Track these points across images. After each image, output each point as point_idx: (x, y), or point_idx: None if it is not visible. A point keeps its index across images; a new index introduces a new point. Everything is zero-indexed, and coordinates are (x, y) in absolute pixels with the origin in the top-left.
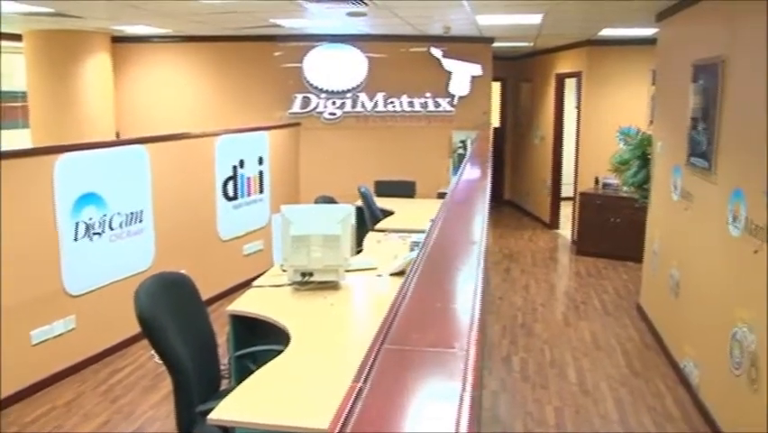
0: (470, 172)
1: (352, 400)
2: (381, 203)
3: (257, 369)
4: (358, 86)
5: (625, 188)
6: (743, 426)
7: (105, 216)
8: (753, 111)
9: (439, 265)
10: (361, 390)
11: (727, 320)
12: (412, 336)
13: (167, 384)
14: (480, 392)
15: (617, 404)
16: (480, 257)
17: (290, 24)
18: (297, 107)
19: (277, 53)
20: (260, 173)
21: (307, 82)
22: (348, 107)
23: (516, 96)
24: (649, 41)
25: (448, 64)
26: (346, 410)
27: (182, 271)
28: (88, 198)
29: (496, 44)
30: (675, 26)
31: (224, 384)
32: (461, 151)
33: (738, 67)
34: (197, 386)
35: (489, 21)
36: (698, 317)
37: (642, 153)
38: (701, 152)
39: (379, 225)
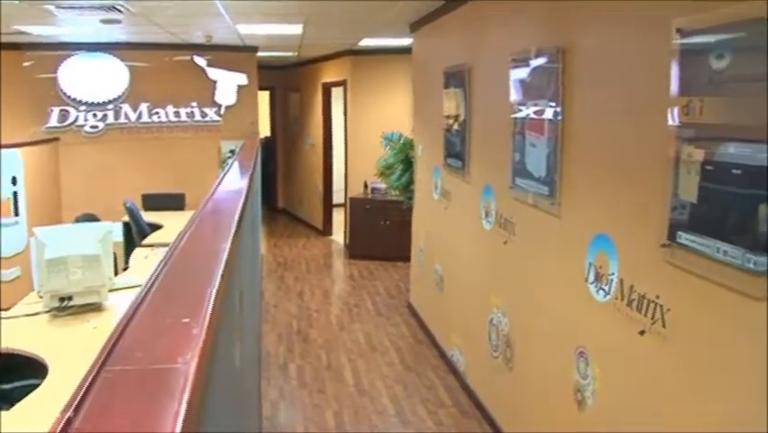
0: (229, 182)
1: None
2: (150, 217)
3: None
4: (120, 96)
5: (392, 192)
6: (503, 402)
7: None
8: (494, 112)
9: (177, 278)
10: (70, 420)
11: (485, 308)
12: (136, 354)
13: None
14: (258, 403)
15: (393, 400)
16: (221, 266)
17: (38, 32)
18: (54, 121)
19: (26, 63)
20: (15, 194)
21: (64, 94)
22: (111, 119)
23: (286, 105)
24: (408, 50)
25: (213, 73)
26: None
27: None
28: None
29: (261, 54)
30: (427, 36)
31: None
32: (230, 160)
33: (480, 73)
34: None
35: (250, 30)
36: (460, 307)
37: (405, 157)
38: (456, 152)
39: (146, 240)
